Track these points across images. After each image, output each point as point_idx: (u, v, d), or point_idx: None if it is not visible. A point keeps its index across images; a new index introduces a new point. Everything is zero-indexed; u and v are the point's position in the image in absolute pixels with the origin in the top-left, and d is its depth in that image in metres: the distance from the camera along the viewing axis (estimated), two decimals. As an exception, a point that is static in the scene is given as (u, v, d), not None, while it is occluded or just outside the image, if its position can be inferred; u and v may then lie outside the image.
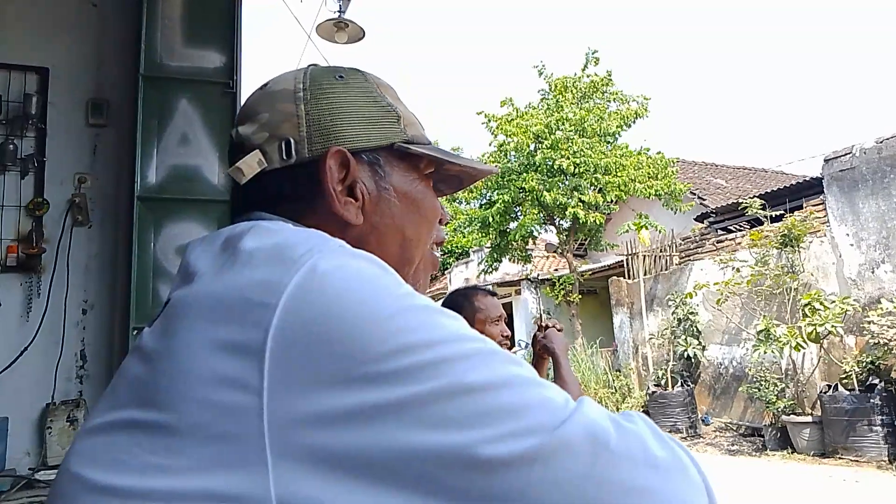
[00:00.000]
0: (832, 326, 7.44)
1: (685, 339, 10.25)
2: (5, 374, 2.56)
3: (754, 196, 10.01)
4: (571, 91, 13.58)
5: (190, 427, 0.44)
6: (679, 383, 10.08)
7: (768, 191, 11.11)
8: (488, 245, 15.01)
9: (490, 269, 15.15)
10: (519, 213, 13.80)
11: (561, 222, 13.49)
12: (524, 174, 12.93)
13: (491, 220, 13.68)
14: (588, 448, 0.43)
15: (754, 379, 8.70)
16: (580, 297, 13.91)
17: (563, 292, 14.26)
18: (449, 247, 21.31)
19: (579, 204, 12.31)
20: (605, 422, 0.45)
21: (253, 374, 0.43)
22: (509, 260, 15.09)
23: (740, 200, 9.97)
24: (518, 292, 16.33)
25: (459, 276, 19.75)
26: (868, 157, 8.14)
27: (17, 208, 2.75)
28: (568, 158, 12.21)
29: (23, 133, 2.79)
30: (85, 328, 2.79)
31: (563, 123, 12.65)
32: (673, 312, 10.64)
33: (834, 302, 7.70)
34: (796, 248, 8.61)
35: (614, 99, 13.88)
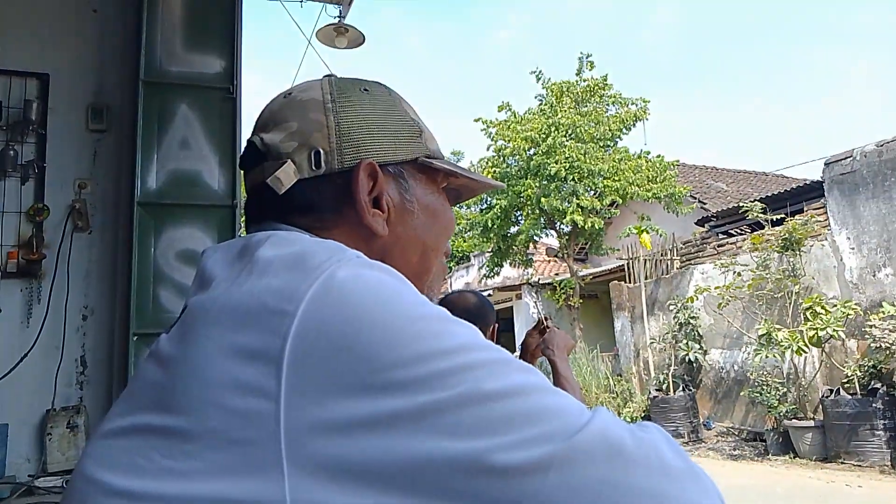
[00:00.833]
0: (834, 330, 7.43)
1: (686, 343, 10.23)
2: (5, 381, 2.56)
3: (755, 200, 10.01)
4: (569, 95, 13.61)
5: (206, 432, 0.44)
6: (680, 388, 10.06)
7: (769, 194, 11.11)
8: (489, 249, 15.02)
9: (491, 274, 15.15)
10: (520, 218, 13.81)
11: (561, 226, 13.50)
12: (523, 179, 12.95)
13: (490, 224, 13.70)
14: (603, 455, 0.43)
15: (756, 383, 8.68)
16: (581, 301, 13.91)
17: (563, 296, 14.25)
18: (450, 251, 21.30)
19: (577, 209, 12.32)
20: (620, 430, 0.46)
21: (270, 381, 0.44)
22: (510, 264, 15.10)
23: (741, 204, 9.97)
24: (519, 296, 16.32)
25: (460, 281, 19.75)
26: (869, 160, 8.14)
27: (17, 214, 2.75)
28: (560, 164, 12.24)
29: (23, 139, 2.79)
30: (85, 334, 2.79)
31: (556, 129, 12.68)
32: (674, 316, 10.63)
33: (835, 306, 7.69)
34: (797, 252, 8.61)
35: (613, 102, 13.92)
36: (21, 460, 2.58)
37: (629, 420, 10.44)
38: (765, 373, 8.64)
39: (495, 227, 13.75)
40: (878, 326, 7.25)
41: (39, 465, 2.59)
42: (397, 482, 0.42)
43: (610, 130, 13.21)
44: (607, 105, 13.90)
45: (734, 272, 9.16)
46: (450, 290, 18.13)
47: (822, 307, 7.68)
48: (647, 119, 13.59)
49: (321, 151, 0.64)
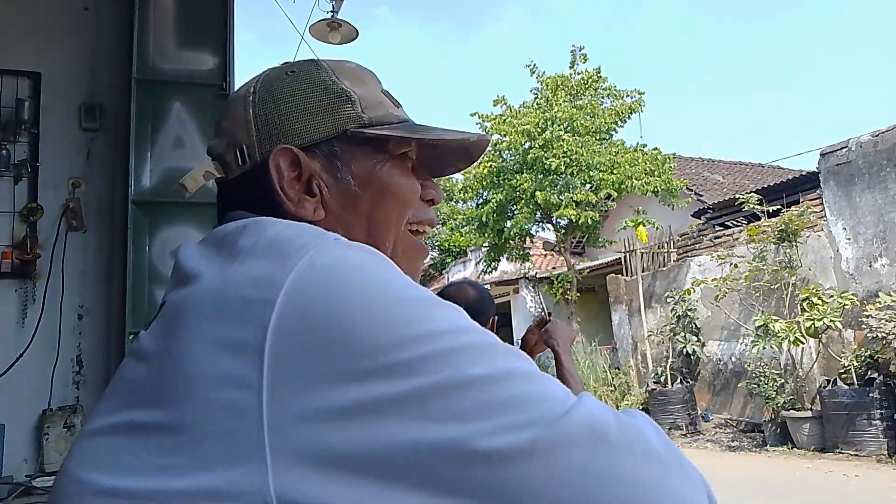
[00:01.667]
0: (830, 321, 7.45)
1: (684, 335, 10.26)
2: (1, 381, 2.55)
3: (751, 191, 10.03)
4: (564, 89, 13.60)
5: (190, 426, 0.44)
6: (678, 380, 10.09)
7: (765, 186, 11.14)
8: (486, 245, 15.03)
9: (489, 269, 15.15)
10: (515, 212, 13.80)
11: (558, 220, 13.51)
12: (518, 174, 12.95)
13: (486, 219, 13.69)
14: (588, 441, 0.43)
15: (754, 375, 8.71)
16: (578, 294, 13.92)
17: (561, 290, 14.27)
18: (447, 246, 21.33)
19: (572, 203, 12.31)
20: (605, 415, 0.45)
21: (252, 372, 0.43)
22: (507, 259, 15.11)
23: (737, 196, 9.99)
24: (516, 291, 16.34)
25: (458, 276, 19.77)
26: (864, 150, 8.15)
27: (10, 214, 2.74)
28: (559, 158, 12.22)
29: (15, 138, 2.78)
30: (81, 333, 2.78)
31: (552, 123, 12.67)
32: (672, 309, 10.65)
33: (832, 296, 7.71)
34: (794, 243, 8.62)
35: (608, 95, 13.91)
36: (18, 461, 2.58)
37: (627, 413, 10.50)
38: (762, 364, 8.66)
39: (491, 221, 13.75)
40: (875, 317, 7.27)
41: (37, 466, 2.59)
42: (381, 469, 0.41)
43: (605, 123, 13.20)
44: (602, 98, 13.89)
45: (731, 264, 9.18)
46: (447, 283, 18.12)
47: (819, 298, 7.70)
48: (642, 111, 13.58)
49: (244, 147, 0.64)
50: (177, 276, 0.56)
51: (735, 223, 11.12)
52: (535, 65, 14.09)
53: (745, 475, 7.00)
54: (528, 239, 14.66)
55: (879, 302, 7.34)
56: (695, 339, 10.20)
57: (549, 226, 14.11)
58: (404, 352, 0.43)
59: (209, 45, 2.97)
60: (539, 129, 12.80)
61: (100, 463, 0.48)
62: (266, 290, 0.46)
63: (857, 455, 7.13)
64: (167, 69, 2.89)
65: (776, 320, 8.03)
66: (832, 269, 8.58)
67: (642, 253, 12.12)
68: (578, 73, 13.92)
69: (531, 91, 14.42)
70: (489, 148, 12.78)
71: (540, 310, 15.87)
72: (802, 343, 7.91)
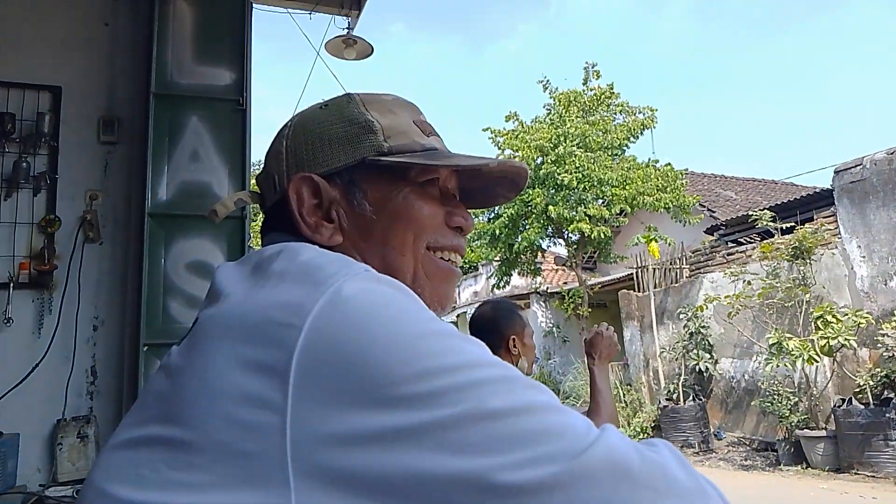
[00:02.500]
0: (845, 339, 7.37)
1: (696, 352, 10.17)
2: (17, 391, 2.57)
3: (764, 208, 9.97)
4: (576, 105, 13.62)
5: (212, 444, 0.45)
6: (691, 397, 9.99)
7: (778, 203, 11.06)
8: (497, 259, 15.00)
9: (500, 283, 15.12)
10: (527, 227, 13.79)
11: (569, 235, 13.48)
12: (530, 189, 12.95)
13: (498, 233, 13.68)
14: (609, 476, 0.43)
15: (767, 393, 8.61)
16: (590, 310, 13.85)
17: (572, 306, 14.20)
18: (458, 260, 21.24)
19: (585, 218, 12.29)
20: (627, 450, 0.45)
21: (276, 394, 0.44)
22: (518, 273, 15.07)
23: (750, 212, 9.92)
24: (527, 306, 16.28)
25: (469, 290, 19.73)
26: (879, 168, 8.09)
27: (29, 225, 2.78)
28: (571, 173, 12.22)
29: (35, 151, 2.82)
30: (96, 344, 2.80)
31: (565, 139, 12.69)
32: (684, 326, 10.57)
33: (847, 315, 7.63)
34: (807, 261, 8.55)
35: (620, 111, 13.92)
36: (31, 470, 2.60)
37: (640, 430, 10.39)
38: (776, 382, 8.56)
39: (503, 236, 13.74)
40: (891, 335, 7.18)
41: (50, 475, 2.60)
42: (400, 497, 0.42)
43: (618, 139, 13.20)
44: (614, 114, 13.90)
45: (744, 281, 9.10)
46: (460, 301, 17.90)
47: (834, 316, 7.61)
48: (654, 127, 13.56)
49: (275, 176, 0.68)
50: (211, 295, 0.58)
51: (748, 240, 11.04)
52: (548, 80, 14.15)
53: (759, 495, 6.90)
54: (539, 253, 14.62)
55: (895, 321, 7.25)
56: (707, 356, 10.11)
57: (561, 241, 14.08)
58: (426, 383, 0.44)
59: (226, 61, 3.01)
60: (552, 145, 12.82)
61: (121, 476, 0.48)
62: (294, 315, 0.47)
63: (873, 476, 7.01)
64: (185, 84, 2.94)
65: (790, 338, 7.95)
66: (846, 287, 8.49)
67: (654, 269, 12.05)
68: (591, 90, 13.95)
69: (544, 107, 14.46)
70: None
71: (550, 325, 15.80)
72: (817, 361, 7.81)
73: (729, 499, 0.48)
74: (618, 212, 12.74)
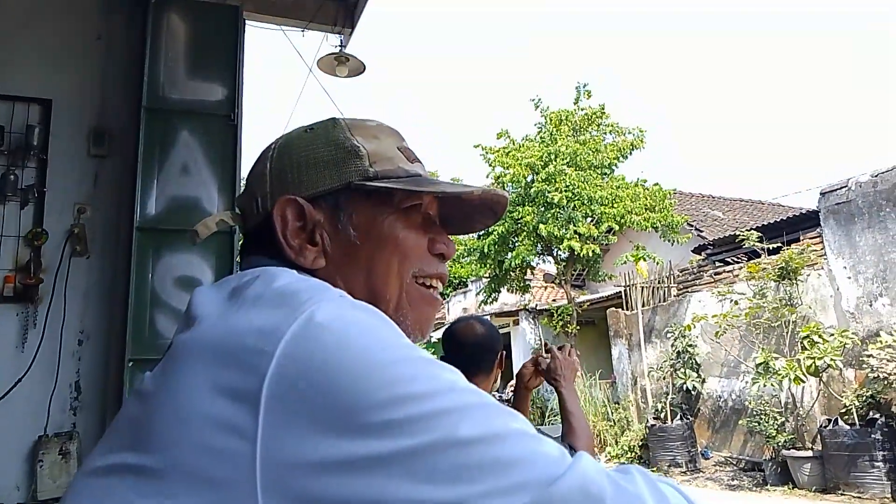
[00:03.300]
0: (831, 360, 7.40)
1: (684, 371, 10.18)
2: (-2, 406, 2.54)
3: (752, 228, 10.05)
4: (567, 124, 13.73)
5: (182, 470, 0.44)
6: (678, 416, 9.99)
7: (766, 223, 11.17)
8: (486, 275, 15.01)
9: (489, 300, 15.12)
10: (517, 244, 13.82)
11: (559, 253, 13.52)
12: (520, 207, 13.01)
13: (488, 250, 13.71)
14: None
15: (754, 412, 8.63)
16: (578, 327, 13.86)
17: (561, 323, 14.21)
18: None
19: (574, 236, 12.34)
20: (600, 479, 0.45)
21: (247, 420, 0.44)
22: (507, 290, 15.07)
23: (738, 232, 10.00)
24: (516, 322, 16.28)
25: (458, 306, 19.70)
26: (864, 190, 8.19)
27: (15, 238, 2.75)
28: (561, 192, 12.30)
29: (24, 163, 2.81)
30: (80, 359, 2.77)
31: (556, 157, 12.78)
32: (672, 344, 10.59)
33: (833, 335, 7.68)
34: (794, 281, 8.62)
35: (610, 131, 14.04)
36: (10, 488, 2.55)
37: (627, 448, 10.37)
38: (763, 402, 8.59)
39: (492, 253, 13.76)
40: (876, 356, 7.23)
41: (29, 493, 2.56)
42: None
43: (608, 158, 13.30)
44: (604, 133, 14.02)
45: (731, 300, 9.15)
46: (450, 317, 17.85)
47: (820, 336, 7.66)
48: (643, 148, 13.68)
49: (259, 198, 0.68)
50: (186, 318, 0.57)
51: (735, 260, 11.12)
52: (539, 99, 14.26)
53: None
54: (528, 270, 14.64)
55: (881, 341, 7.30)
56: (695, 374, 10.13)
57: (550, 258, 14.11)
58: (397, 410, 0.43)
59: (218, 76, 3.02)
60: (542, 163, 12.90)
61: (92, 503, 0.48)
62: (267, 340, 0.46)
63: (859, 497, 7.02)
64: (176, 98, 2.94)
65: (776, 358, 7.98)
66: (832, 308, 8.55)
67: (642, 287, 12.10)
68: (582, 109, 14.07)
69: (535, 125, 14.56)
70: (491, 181, 12.73)
71: (538, 342, 15.79)
72: (803, 381, 7.84)
73: None
74: (607, 230, 12.81)
